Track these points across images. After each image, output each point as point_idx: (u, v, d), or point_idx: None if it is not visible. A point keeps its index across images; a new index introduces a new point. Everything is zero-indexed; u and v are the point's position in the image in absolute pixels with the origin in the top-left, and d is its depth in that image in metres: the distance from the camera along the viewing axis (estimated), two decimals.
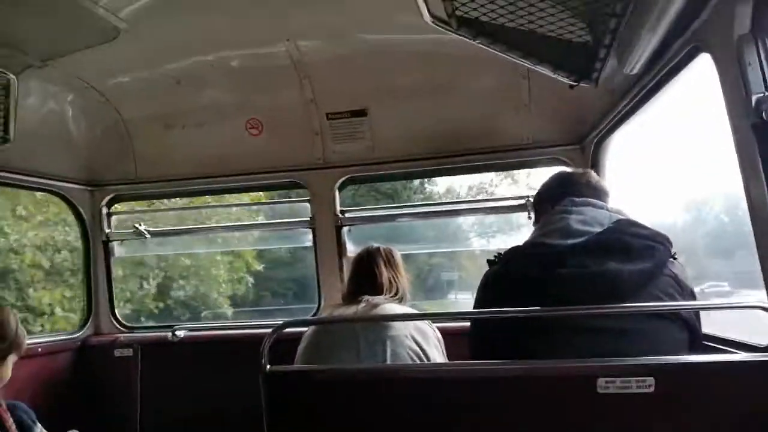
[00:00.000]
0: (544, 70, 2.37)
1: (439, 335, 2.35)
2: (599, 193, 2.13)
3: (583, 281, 1.70)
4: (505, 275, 1.93)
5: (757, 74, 1.56)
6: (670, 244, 1.83)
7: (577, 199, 2.02)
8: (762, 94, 1.54)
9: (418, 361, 2.04)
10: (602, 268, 1.71)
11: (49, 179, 3.64)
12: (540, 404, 1.50)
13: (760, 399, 1.41)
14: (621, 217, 1.94)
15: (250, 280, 10.81)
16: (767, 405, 1.39)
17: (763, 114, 1.51)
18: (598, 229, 1.86)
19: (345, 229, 3.65)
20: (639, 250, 1.76)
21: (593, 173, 2.29)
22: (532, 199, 3.43)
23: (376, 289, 2.45)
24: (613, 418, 1.45)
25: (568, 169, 2.83)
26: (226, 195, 4.44)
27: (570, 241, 1.83)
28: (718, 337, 2.01)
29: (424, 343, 2.18)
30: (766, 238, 1.59)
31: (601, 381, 1.42)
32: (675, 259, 1.84)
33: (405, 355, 2.06)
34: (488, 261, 2.05)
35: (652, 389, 1.39)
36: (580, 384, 1.45)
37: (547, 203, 2.19)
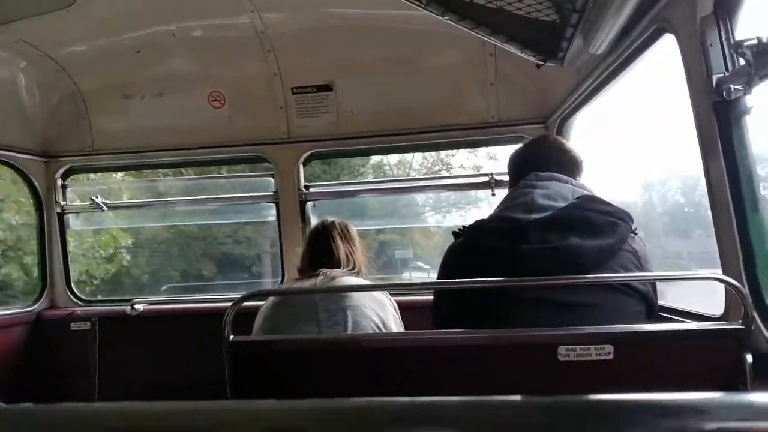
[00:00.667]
0: (512, 49, 2.39)
1: (396, 306, 2.35)
2: (568, 166, 2.13)
3: (545, 256, 1.73)
4: (469, 248, 1.94)
5: (718, 54, 1.60)
6: (631, 220, 1.86)
7: (541, 173, 2.03)
8: (722, 74, 1.58)
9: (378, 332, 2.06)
10: (564, 243, 1.74)
11: (2, 150, 3.51)
12: (502, 372, 1.53)
13: (714, 365, 1.47)
14: (585, 192, 1.96)
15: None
16: (721, 371, 1.46)
17: (723, 93, 1.55)
18: (562, 204, 1.88)
19: (309, 204, 3.63)
20: (601, 225, 1.79)
21: (566, 144, 2.27)
22: (495, 176, 3.52)
23: (333, 263, 2.44)
24: (574, 385, 1.50)
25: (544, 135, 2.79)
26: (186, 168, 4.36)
27: (534, 216, 1.85)
28: (674, 308, 2.09)
29: (382, 313, 2.19)
30: (722, 214, 1.65)
31: (561, 349, 1.46)
32: (636, 234, 1.87)
33: (366, 325, 2.07)
34: (453, 233, 2.06)
35: (611, 356, 1.44)
36: (542, 352, 1.49)
37: (514, 175, 2.21)
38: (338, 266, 2.43)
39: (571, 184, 1.99)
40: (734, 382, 1.44)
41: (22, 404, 0.55)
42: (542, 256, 1.74)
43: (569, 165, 2.13)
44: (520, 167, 2.18)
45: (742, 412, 0.46)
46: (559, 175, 2.02)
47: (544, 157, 2.15)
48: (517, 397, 0.49)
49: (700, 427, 0.44)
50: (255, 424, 0.51)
